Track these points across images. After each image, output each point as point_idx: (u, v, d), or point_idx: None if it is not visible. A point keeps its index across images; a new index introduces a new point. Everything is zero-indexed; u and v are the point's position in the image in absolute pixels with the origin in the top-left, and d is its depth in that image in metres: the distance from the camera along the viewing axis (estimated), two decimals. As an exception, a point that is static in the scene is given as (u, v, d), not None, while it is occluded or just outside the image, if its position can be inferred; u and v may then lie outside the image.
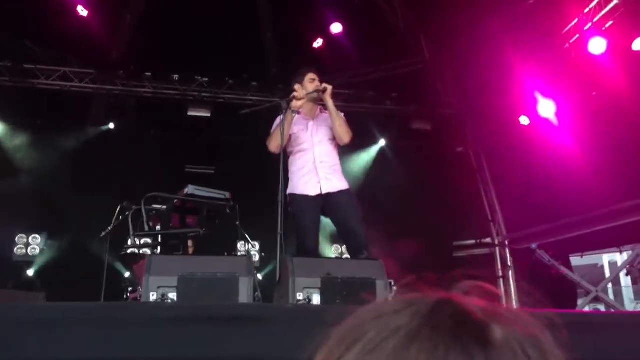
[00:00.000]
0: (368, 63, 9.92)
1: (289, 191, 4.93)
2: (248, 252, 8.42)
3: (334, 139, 5.01)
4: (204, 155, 9.78)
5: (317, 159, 4.89)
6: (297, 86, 4.99)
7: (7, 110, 9.03)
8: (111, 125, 9.90)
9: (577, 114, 7.95)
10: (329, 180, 4.87)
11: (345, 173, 5.21)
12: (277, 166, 4.79)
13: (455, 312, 0.55)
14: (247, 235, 7.65)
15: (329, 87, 4.89)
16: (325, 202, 4.83)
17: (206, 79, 10.02)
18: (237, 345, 3.12)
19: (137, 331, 3.06)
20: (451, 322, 0.54)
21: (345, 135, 4.91)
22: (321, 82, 5.00)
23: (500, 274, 10.06)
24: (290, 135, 4.97)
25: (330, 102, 4.87)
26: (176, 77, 9.89)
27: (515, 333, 0.55)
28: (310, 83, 4.99)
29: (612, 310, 7.02)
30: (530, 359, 0.53)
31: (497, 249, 10.29)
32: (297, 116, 4.99)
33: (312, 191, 4.83)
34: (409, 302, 0.58)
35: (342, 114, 5.02)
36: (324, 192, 4.82)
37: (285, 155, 4.88)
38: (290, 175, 5.00)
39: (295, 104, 4.83)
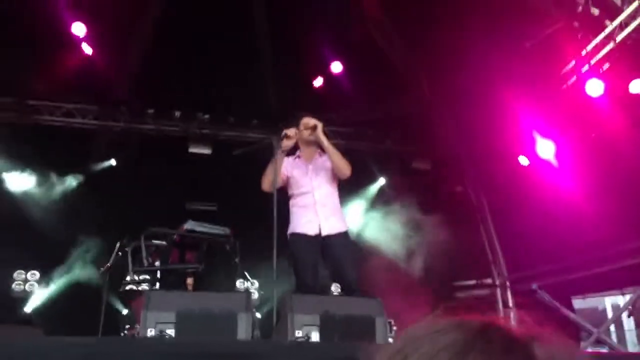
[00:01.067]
0: (368, 102, 10.02)
1: (289, 231, 5.02)
2: (247, 289, 8.36)
3: (333, 181, 5.13)
4: (204, 192, 9.80)
5: (318, 202, 4.98)
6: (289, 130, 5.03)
7: (9, 145, 9.08)
8: (113, 162, 9.94)
9: (577, 155, 8.00)
10: (328, 222, 4.94)
11: (345, 211, 5.27)
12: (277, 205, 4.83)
13: (502, 331, 0.58)
14: (246, 273, 7.62)
15: (319, 124, 4.99)
16: (323, 244, 4.89)
17: (207, 116, 10.12)
18: (235, 382, 3.09)
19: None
20: (500, 339, 0.57)
21: (344, 168, 5.00)
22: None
23: (502, 315, 9.96)
24: (289, 179, 5.12)
25: (323, 139, 4.97)
26: (178, 114, 10.00)
27: (556, 351, 0.57)
28: (305, 128, 5.06)
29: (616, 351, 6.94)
30: None
31: (498, 289, 10.21)
32: (297, 160, 5.15)
33: (312, 231, 4.90)
34: (457, 322, 0.60)
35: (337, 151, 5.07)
36: (323, 233, 4.90)
37: (279, 194, 4.92)
38: (291, 216, 5.10)
39: (285, 143, 4.92)
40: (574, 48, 7.69)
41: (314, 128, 4.97)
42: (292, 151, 5.27)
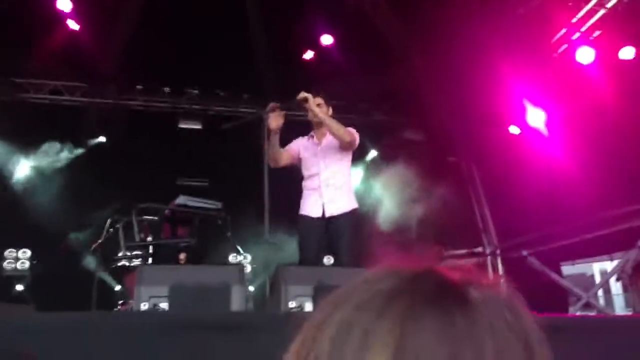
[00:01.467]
0: (358, 74, 9.96)
1: (299, 212, 5.07)
2: (240, 263, 8.39)
3: (343, 158, 5.07)
4: (195, 168, 9.77)
5: (323, 182, 4.97)
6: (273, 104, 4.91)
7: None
8: (102, 138, 9.88)
9: (567, 123, 8.02)
10: (332, 203, 4.93)
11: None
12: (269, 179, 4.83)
13: (436, 277, 0.58)
14: (238, 247, 7.64)
15: (308, 95, 4.87)
16: (328, 225, 4.91)
17: (197, 92, 10.04)
18: (229, 353, 3.11)
19: (128, 339, 3.03)
20: (431, 285, 0.56)
21: (345, 135, 4.88)
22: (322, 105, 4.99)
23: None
24: (300, 160, 5.14)
25: (315, 110, 4.86)
26: (167, 89, 9.92)
27: (493, 297, 0.56)
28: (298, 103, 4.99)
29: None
30: (506, 320, 0.55)
31: (489, 258, 10.30)
32: (309, 141, 5.14)
33: (315, 213, 4.93)
34: (394, 270, 0.60)
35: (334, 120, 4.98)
36: (327, 214, 4.90)
37: (269, 169, 4.89)
38: (302, 198, 5.14)
39: (272, 122, 4.78)
40: (565, 16, 7.65)
41: (305, 100, 4.87)
42: (306, 131, 5.25)
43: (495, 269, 10.13)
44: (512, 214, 9.21)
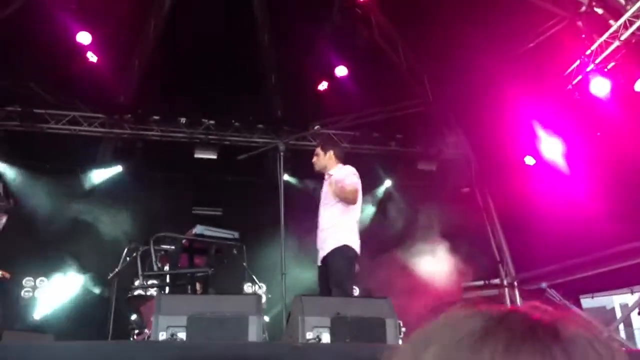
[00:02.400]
0: (373, 105, 10.05)
1: None
2: (256, 293, 8.36)
3: (335, 203, 5.17)
4: (210, 197, 9.82)
5: (318, 226, 5.19)
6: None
7: (16, 153, 9.13)
8: (119, 168, 9.98)
9: (583, 154, 7.99)
10: (322, 249, 5.08)
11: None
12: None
13: (526, 316, 0.58)
14: (254, 277, 7.62)
15: (331, 178, 5.14)
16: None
17: (212, 122, 10.16)
18: (248, 384, 3.10)
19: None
20: (523, 323, 0.57)
21: (349, 200, 5.08)
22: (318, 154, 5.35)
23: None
24: None
25: (331, 187, 5.11)
26: (183, 120, 10.04)
27: (584, 333, 0.57)
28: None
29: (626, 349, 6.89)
30: (601, 355, 0.55)
31: (507, 289, 10.18)
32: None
33: (318, 261, 5.14)
34: (479, 310, 0.61)
35: (340, 184, 5.10)
36: (321, 262, 5.07)
37: (285, 196, 5.06)
38: None
39: None
40: (578, 47, 7.68)
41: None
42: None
43: (513, 301, 10.01)
44: (529, 245, 9.13)
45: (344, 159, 5.43)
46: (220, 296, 4.22)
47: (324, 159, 5.31)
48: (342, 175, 5.16)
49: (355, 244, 5.08)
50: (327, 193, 5.22)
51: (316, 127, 5.41)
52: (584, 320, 0.61)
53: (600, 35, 7.39)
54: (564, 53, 7.83)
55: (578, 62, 7.77)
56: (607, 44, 7.40)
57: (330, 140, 5.50)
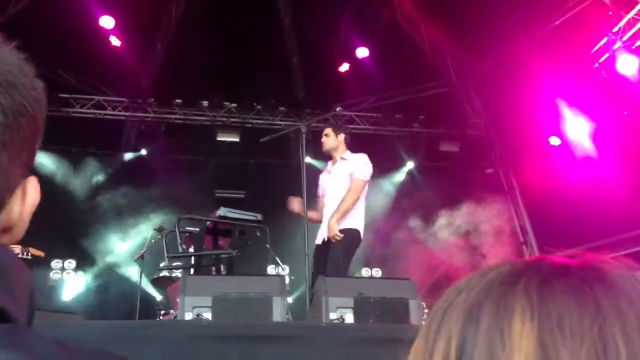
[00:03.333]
0: (395, 86, 9.98)
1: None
2: (279, 274, 8.44)
3: (347, 183, 5.21)
4: (233, 180, 9.89)
5: (325, 207, 5.25)
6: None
7: (43, 138, 9.24)
8: (143, 152, 10.08)
9: (609, 134, 7.86)
10: (324, 228, 5.11)
11: (374, 196, 5.32)
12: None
13: (556, 258, 0.58)
14: (277, 258, 7.69)
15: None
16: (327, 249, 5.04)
17: (234, 105, 10.19)
18: (273, 363, 3.14)
19: (173, 349, 3.10)
20: (554, 265, 0.57)
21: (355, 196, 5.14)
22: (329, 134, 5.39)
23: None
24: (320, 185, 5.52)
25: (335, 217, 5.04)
26: (205, 103, 10.09)
27: (618, 269, 0.56)
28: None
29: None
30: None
31: (530, 271, 10.11)
32: (325, 174, 5.53)
33: (318, 239, 5.18)
34: (509, 262, 0.61)
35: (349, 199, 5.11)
36: (326, 240, 5.04)
37: (307, 178, 5.13)
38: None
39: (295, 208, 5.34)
40: (605, 24, 7.53)
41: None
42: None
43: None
44: (553, 226, 9.05)
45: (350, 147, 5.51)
46: (244, 277, 4.27)
47: (335, 141, 5.35)
48: (355, 164, 5.23)
49: (362, 228, 5.17)
50: (341, 173, 5.27)
51: (338, 109, 5.44)
52: (617, 262, 0.60)
53: (628, 11, 7.24)
54: (590, 30, 7.68)
55: (605, 39, 7.62)
56: (634, 20, 7.25)
57: (341, 125, 5.55)
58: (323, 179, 5.52)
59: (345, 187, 5.20)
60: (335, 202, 5.16)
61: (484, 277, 0.58)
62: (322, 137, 5.42)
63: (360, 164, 5.22)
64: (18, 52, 0.73)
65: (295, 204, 5.24)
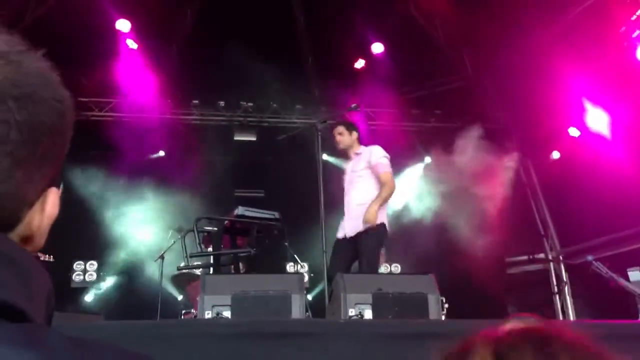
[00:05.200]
0: (411, 81, 9.92)
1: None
2: (298, 272, 8.46)
3: (367, 177, 5.29)
4: (252, 179, 9.92)
5: (346, 203, 5.31)
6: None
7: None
8: (161, 153, 10.15)
9: (628, 124, 7.74)
10: (352, 222, 5.13)
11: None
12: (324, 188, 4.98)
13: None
14: (295, 256, 7.71)
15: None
16: (350, 243, 5.09)
17: (251, 104, 10.22)
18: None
19: (193, 348, 3.12)
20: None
21: (391, 193, 5.24)
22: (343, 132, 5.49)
23: (556, 289, 9.79)
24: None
25: (374, 207, 5.04)
26: (222, 103, 10.14)
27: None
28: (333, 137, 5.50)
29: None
30: None
31: (552, 264, 10.03)
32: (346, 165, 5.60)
33: (340, 234, 5.20)
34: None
35: (382, 193, 5.16)
36: (348, 235, 5.12)
37: (324, 175, 5.13)
38: None
39: None
40: (624, 13, 7.41)
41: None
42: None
43: (558, 275, 9.85)
44: (574, 218, 8.95)
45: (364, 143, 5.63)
46: (263, 275, 4.28)
47: (350, 139, 5.46)
48: (371, 155, 5.29)
49: (387, 222, 5.22)
50: (360, 168, 5.31)
51: (353, 106, 5.49)
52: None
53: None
54: (609, 19, 7.56)
55: (623, 28, 7.50)
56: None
57: (352, 122, 5.71)
58: (344, 179, 5.57)
59: (365, 179, 5.25)
60: (363, 194, 5.20)
61: None
62: (335, 135, 5.49)
63: (379, 157, 5.26)
64: (43, 59, 0.73)
65: None
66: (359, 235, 5.04)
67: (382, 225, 5.11)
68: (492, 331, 0.65)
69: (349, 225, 5.15)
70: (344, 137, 5.45)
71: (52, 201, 0.74)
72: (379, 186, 5.21)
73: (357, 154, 5.45)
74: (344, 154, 5.63)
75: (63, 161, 0.77)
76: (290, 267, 8.91)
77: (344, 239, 5.13)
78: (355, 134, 5.49)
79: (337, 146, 5.50)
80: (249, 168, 9.98)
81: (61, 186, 0.81)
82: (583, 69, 7.86)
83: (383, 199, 5.09)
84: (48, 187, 0.74)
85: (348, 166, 5.54)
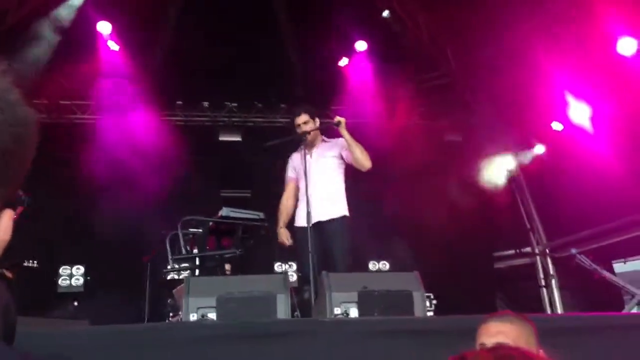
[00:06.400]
0: (395, 79, 9.93)
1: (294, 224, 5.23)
2: (285, 272, 8.46)
3: (336, 167, 5.24)
4: (238, 179, 9.89)
5: (310, 189, 4.96)
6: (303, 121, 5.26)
7: (46, 145, 9.25)
8: (146, 154, 10.06)
9: (611, 117, 7.81)
10: (319, 209, 4.99)
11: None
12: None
13: None
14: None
15: (342, 120, 5.09)
16: (316, 230, 4.91)
17: (235, 104, 10.19)
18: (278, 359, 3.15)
19: (180, 351, 3.11)
20: None
21: (366, 162, 5.11)
22: (313, 121, 5.29)
23: (543, 283, 9.86)
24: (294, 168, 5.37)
25: (346, 135, 5.07)
26: (206, 104, 10.10)
27: None
28: (297, 128, 5.25)
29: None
30: None
31: (538, 258, 10.10)
32: (298, 157, 5.28)
33: (303, 221, 4.92)
34: None
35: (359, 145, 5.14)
36: (313, 220, 4.90)
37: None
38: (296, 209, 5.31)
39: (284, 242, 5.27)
40: (605, 7, 7.46)
41: (338, 124, 5.10)
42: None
43: (545, 268, 9.92)
44: (559, 211, 9.02)
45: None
46: (248, 276, 4.29)
47: (314, 125, 5.26)
48: (341, 145, 5.24)
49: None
50: (331, 155, 5.25)
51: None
52: None
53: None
54: (590, 14, 7.60)
55: (605, 21, 7.55)
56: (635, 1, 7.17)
57: (313, 107, 5.45)
58: (298, 161, 5.29)
59: (335, 168, 5.22)
60: (332, 185, 5.16)
61: None
62: (299, 125, 5.22)
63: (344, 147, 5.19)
64: (6, 75, 0.70)
65: (284, 239, 5.22)
66: (328, 224, 5.00)
67: (348, 219, 5.11)
68: None
69: (312, 212, 4.88)
70: (310, 125, 5.21)
71: (4, 224, 0.72)
72: (343, 178, 5.22)
73: (325, 140, 5.35)
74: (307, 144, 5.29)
75: (20, 184, 0.75)
76: (278, 267, 8.91)
77: (309, 226, 4.82)
78: (317, 120, 5.33)
79: (303, 136, 5.16)
80: (235, 168, 9.94)
81: (26, 203, 0.79)
82: (566, 62, 7.91)
83: (360, 150, 5.05)
84: (1, 209, 0.72)
85: (309, 153, 5.25)
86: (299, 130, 5.21)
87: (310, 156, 5.26)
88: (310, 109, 5.35)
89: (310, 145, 5.29)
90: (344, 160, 5.28)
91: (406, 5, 9.81)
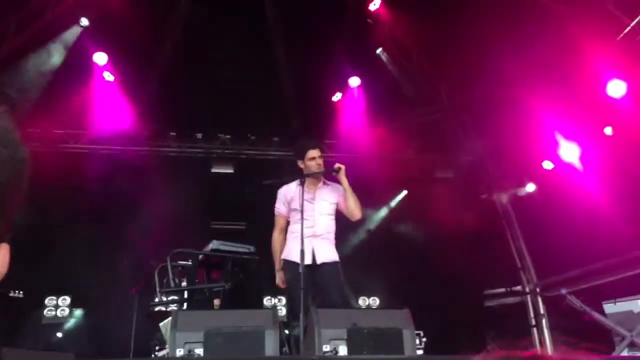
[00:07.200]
0: (388, 114, 10.03)
1: (283, 256, 5.09)
2: (274, 306, 8.38)
3: (333, 212, 5.20)
4: (230, 211, 9.86)
5: (307, 229, 4.93)
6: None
7: (39, 174, 9.19)
8: (138, 185, 10.04)
9: (601, 158, 7.88)
10: (317, 250, 4.97)
11: (370, 222, 5.35)
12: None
13: None
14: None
15: (342, 167, 5.10)
16: (309, 269, 4.84)
17: (229, 136, 10.22)
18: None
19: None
20: None
21: (357, 212, 5.14)
22: (323, 158, 5.24)
23: (533, 322, 9.79)
24: (290, 210, 5.22)
25: (345, 182, 5.09)
26: (199, 135, 10.12)
27: None
28: (310, 161, 5.14)
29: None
30: None
31: (529, 297, 10.05)
32: (298, 190, 5.12)
33: (296, 258, 4.81)
34: None
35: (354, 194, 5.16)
36: (308, 260, 4.85)
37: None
38: (287, 242, 5.17)
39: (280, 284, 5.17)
40: (595, 48, 7.59)
41: (338, 171, 5.11)
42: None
43: (536, 308, 9.87)
44: (550, 250, 9.02)
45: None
46: (236, 311, 4.23)
47: (343, 174, 5.17)
48: (339, 193, 5.23)
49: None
50: (332, 201, 5.20)
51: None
52: None
53: (617, 35, 7.30)
54: (580, 54, 7.73)
55: (594, 63, 7.67)
56: (623, 44, 7.30)
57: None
58: (292, 196, 5.18)
59: (332, 213, 5.19)
60: (328, 226, 5.13)
61: None
62: (317, 161, 5.13)
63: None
64: (4, 116, 0.72)
65: (281, 282, 5.15)
66: (324, 265, 4.94)
67: (339, 264, 5.09)
68: None
69: (317, 252, 4.93)
70: (321, 162, 5.19)
71: (2, 258, 0.72)
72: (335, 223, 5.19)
73: (325, 183, 5.28)
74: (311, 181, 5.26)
75: (15, 218, 0.75)
76: (267, 301, 8.83)
77: (304, 265, 4.74)
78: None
79: (313, 172, 5.12)
80: (227, 201, 9.91)
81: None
82: (556, 103, 8.01)
83: (354, 198, 5.07)
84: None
85: (310, 192, 5.18)
86: (313, 163, 5.11)
87: (313, 196, 5.18)
88: (321, 146, 5.41)
89: (313, 185, 5.24)
90: (337, 207, 5.25)
91: (400, 42, 9.96)
